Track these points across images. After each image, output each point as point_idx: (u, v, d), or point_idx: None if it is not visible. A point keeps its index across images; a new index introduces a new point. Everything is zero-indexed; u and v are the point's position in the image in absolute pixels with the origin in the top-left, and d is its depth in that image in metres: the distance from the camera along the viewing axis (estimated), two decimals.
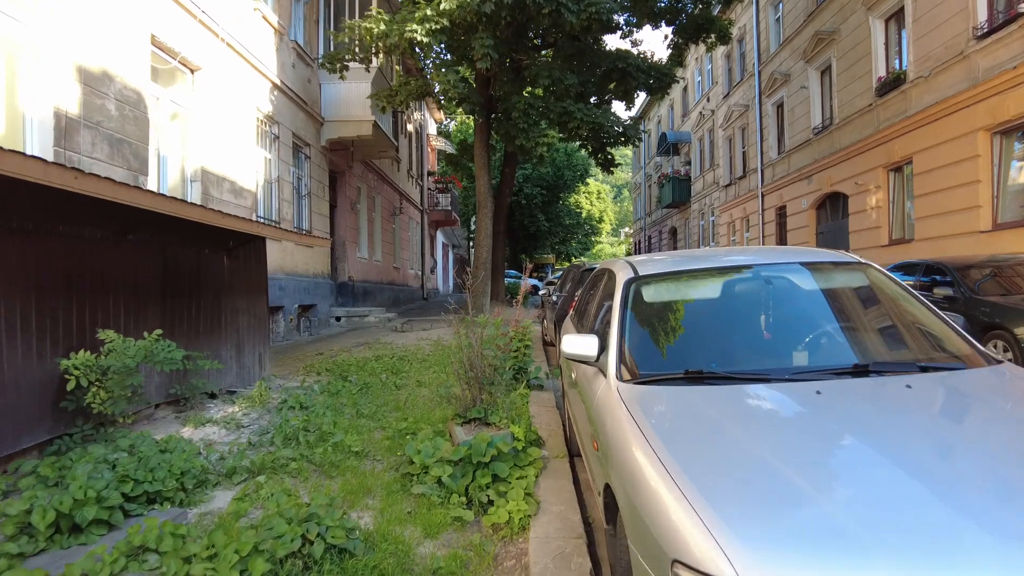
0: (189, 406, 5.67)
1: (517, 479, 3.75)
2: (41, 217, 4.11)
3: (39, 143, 6.19)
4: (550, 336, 10.72)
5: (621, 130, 13.25)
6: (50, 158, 6.20)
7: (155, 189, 8.35)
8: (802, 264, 3.22)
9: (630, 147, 17.90)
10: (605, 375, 2.76)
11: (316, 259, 13.63)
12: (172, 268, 5.66)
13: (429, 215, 28.36)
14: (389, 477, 4.10)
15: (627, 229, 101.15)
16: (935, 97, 13.08)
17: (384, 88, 12.82)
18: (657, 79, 13.38)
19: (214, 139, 9.52)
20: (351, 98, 14.01)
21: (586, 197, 53.49)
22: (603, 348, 2.90)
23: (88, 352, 4.11)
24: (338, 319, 14.10)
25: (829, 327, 2.91)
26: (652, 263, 3.42)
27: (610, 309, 3.14)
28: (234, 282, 6.70)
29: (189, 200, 8.83)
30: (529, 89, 12.98)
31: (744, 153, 26.32)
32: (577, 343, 2.94)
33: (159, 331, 4.46)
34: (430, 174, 28.52)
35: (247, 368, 6.93)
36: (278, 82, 11.73)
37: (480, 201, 13.37)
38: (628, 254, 65.50)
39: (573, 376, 3.57)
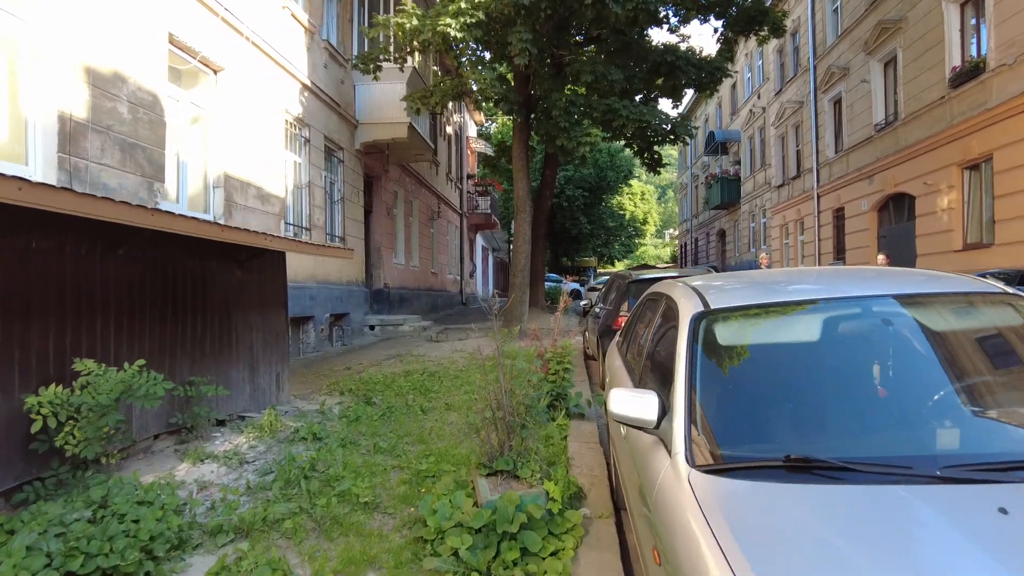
0: (193, 436, 5.14)
1: (551, 555, 3.04)
2: (7, 229, 3.59)
3: (42, 149, 5.77)
4: (592, 349, 9.97)
5: (669, 127, 12.39)
6: (53, 165, 5.78)
7: (174, 196, 7.94)
8: (926, 296, 2.42)
9: (676, 146, 16.91)
10: (669, 451, 2.02)
11: (349, 266, 13.17)
12: (173, 284, 5.13)
13: (468, 219, 27.84)
14: (399, 540, 3.43)
15: (672, 231, 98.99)
16: (1021, 87, 11.80)
17: (418, 89, 12.27)
18: (708, 73, 12.47)
19: (239, 143, 9.09)
20: (386, 100, 13.52)
21: (629, 198, 52.32)
22: (665, 410, 2.16)
23: (60, 387, 3.57)
24: (372, 328, 13.61)
25: (983, 390, 2.11)
26: (726, 292, 2.66)
27: (672, 354, 2.39)
28: (247, 297, 6.17)
29: (212, 208, 8.41)
30: (570, 87, 12.23)
31: (798, 152, 24.96)
32: (628, 402, 2.21)
33: (142, 361, 3.90)
34: (469, 177, 28.00)
35: (262, 390, 6.40)
36: (308, 83, 11.29)
37: (518, 205, 12.70)
38: (674, 257, 63.79)
39: (623, 432, 2.83)
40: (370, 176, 15.24)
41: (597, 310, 9.51)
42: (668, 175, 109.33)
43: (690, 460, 1.90)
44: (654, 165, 14.47)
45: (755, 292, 2.64)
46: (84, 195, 3.21)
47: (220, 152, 8.68)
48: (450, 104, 24.04)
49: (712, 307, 2.45)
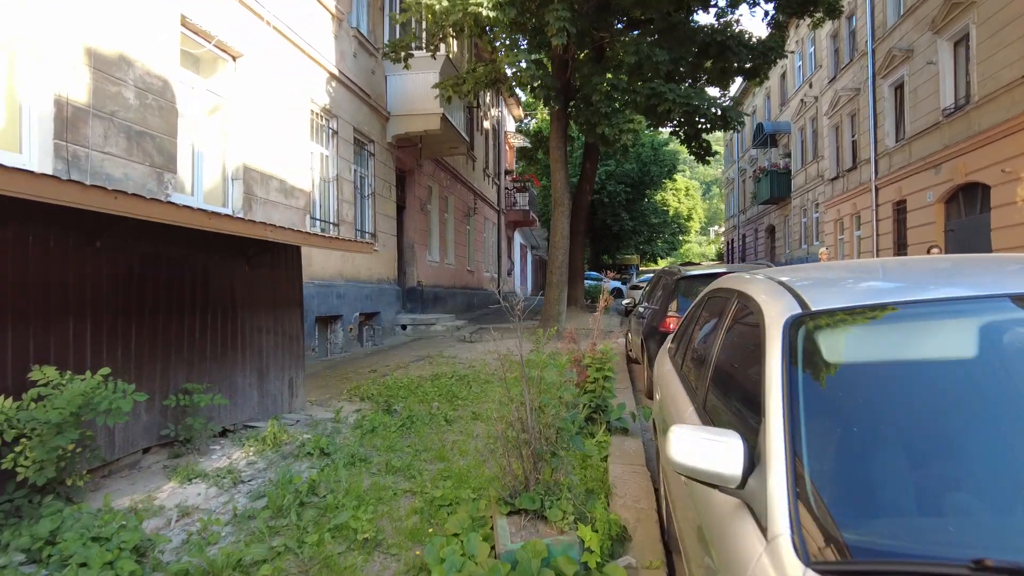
0: (189, 449, 4.62)
1: None
2: None
3: (38, 135, 5.35)
4: (636, 352, 9.20)
5: (719, 112, 11.48)
6: (49, 152, 5.35)
7: (189, 188, 7.50)
8: None
9: (724, 135, 15.71)
10: (763, 528, 1.31)
11: (380, 263, 12.68)
12: (168, 281, 4.62)
13: (506, 215, 27.21)
14: None
15: (717, 227, 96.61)
16: None
17: (451, 76, 11.68)
18: (761, 54, 11.51)
19: (260, 133, 8.63)
20: (418, 90, 12.98)
21: (673, 194, 50.94)
22: (753, 463, 1.45)
23: (8, 399, 3.05)
24: (403, 327, 13.10)
25: None
26: (830, 286, 1.93)
27: (756, 375, 1.67)
28: (256, 295, 5.64)
29: (230, 201, 7.97)
30: (611, 74, 11.44)
31: (854, 142, 23.54)
32: (698, 448, 1.50)
33: (105, 370, 3.36)
34: (507, 173, 27.38)
35: (272, 396, 5.87)
36: (336, 72, 10.81)
37: (556, 198, 11.98)
38: (719, 255, 61.91)
39: (684, 481, 2.09)
40: (403, 171, 14.74)
41: (641, 309, 8.75)
42: (712, 170, 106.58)
43: (801, 550, 1.19)
44: (703, 155, 13.54)
45: (871, 285, 1.89)
46: (52, 178, 2.67)
47: (239, 143, 8.24)
48: (487, 98, 23.46)
49: (813, 308, 1.72)
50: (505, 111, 27.28)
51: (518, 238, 30.48)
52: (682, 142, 13.82)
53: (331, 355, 10.68)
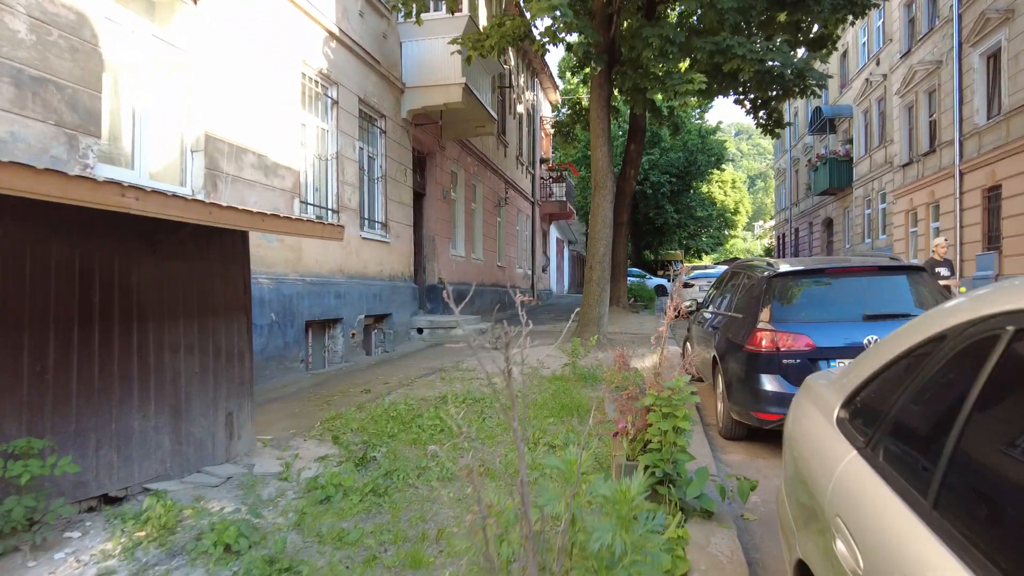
0: (21, 541, 2.93)
1: None
2: None
3: None
4: (698, 369, 7.27)
5: (796, 73, 9.38)
6: None
7: (125, 158, 5.87)
8: None
9: (799, 102, 13.47)
10: None
11: (393, 257, 10.98)
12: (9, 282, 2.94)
13: (541, 207, 25.32)
14: None
15: (762, 223, 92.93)
16: None
17: (471, 32, 9.87)
18: (848, 2, 9.33)
19: (232, 97, 6.98)
20: (436, 57, 11.23)
21: (719, 186, 48.22)
22: None
23: None
24: (420, 331, 11.39)
25: None
26: None
27: None
28: (169, 299, 3.95)
29: (188, 178, 6.34)
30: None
31: (932, 123, 20.93)
32: None
33: None
34: (543, 161, 25.48)
35: (197, 442, 4.17)
36: (336, 31, 9.13)
37: (597, 180, 10.09)
38: (768, 252, 58.77)
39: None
40: (422, 153, 13.02)
41: (707, 315, 6.80)
42: (756, 164, 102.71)
43: None
44: (774, 126, 11.46)
45: None
46: None
47: (202, 107, 6.59)
48: (520, 80, 21.61)
49: None
50: (541, 95, 25.38)
51: (554, 232, 28.57)
52: (748, 112, 11.73)
53: (329, 366, 9.02)
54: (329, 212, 9.17)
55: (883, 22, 25.66)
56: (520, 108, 21.77)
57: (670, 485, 3.39)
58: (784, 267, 4.96)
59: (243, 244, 4.66)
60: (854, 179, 29.19)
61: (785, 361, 4.43)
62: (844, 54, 30.51)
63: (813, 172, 33.13)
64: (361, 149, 10.21)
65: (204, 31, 6.61)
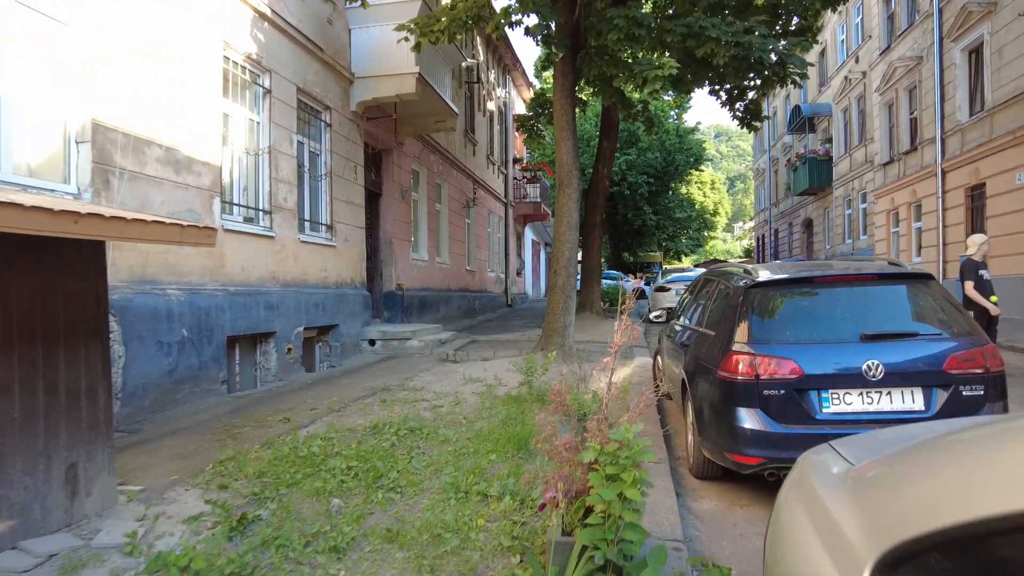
0: None
1: None
2: None
3: None
4: (673, 389, 6.42)
5: (776, 59, 8.60)
6: None
7: None
8: None
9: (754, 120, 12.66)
10: None
11: (340, 263, 10.03)
12: None
13: (515, 208, 24.46)
14: None
15: (741, 224, 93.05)
16: None
17: (421, 16, 8.97)
18: None
19: (128, 80, 6.01)
20: (389, 46, 10.30)
21: (699, 187, 47.84)
22: None
23: None
24: (372, 343, 10.44)
25: None
26: None
27: None
28: None
29: (72, 174, 5.37)
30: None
31: (913, 120, 20.42)
32: None
33: None
34: (516, 161, 24.62)
35: (21, 506, 3.22)
36: (267, 12, 8.18)
37: (562, 177, 9.24)
38: (748, 253, 58.45)
39: None
40: (377, 150, 12.09)
41: (678, 328, 5.96)
42: (735, 165, 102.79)
43: None
44: (752, 119, 10.70)
45: None
46: None
47: (87, 89, 5.62)
48: (490, 75, 20.74)
49: None
50: (514, 93, 24.52)
51: (529, 234, 27.71)
52: (724, 104, 10.96)
53: (261, 385, 8.06)
54: (261, 213, 8.21)
55: (862, 19, 25.23)
56: (491, 106, 20.90)
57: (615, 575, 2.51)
58: (765, 275, 4.11)
59: (95, 253, 3.72)
60: (834, 179, 28.73)
61: (767, 392, 3.59)
62: (823, 52, 30.09)
63: (792, 172, 32.68)
64: (301, 144, 9.27)
65: (89, 1, 5.64)
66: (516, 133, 24.97)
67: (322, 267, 9.42)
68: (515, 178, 24.39)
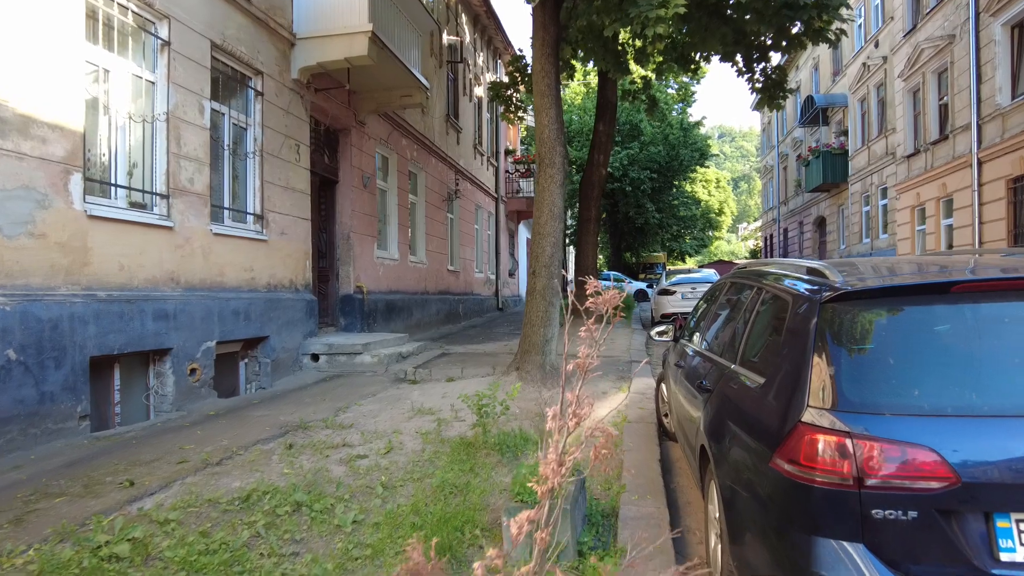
0: None
1: None
2: None
3: None
4: (673, 424, 4.63)
5: (814, 2, 6.76)
6: None
7: None
8: None
9: (758, 120, 10.72)
10: None
11: (274, 261, 8.26)
12: None
13: (507, 204, 22.65)
14: None
15: (746, 225, 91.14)
16: None
17: None
18: None
19: None
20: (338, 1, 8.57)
21: (703, 185, 45.97)
22: None
23: None
24: (315, 358, 8.65)
25: None
26: None
27: None
28: None
29: None
30: None
31: (942, 107, 18.55)
32: None
33: None
34: (508, 153, 22.81)
35: None
36: None
37: (542, 155, 7.45)
38: (755, 253, 56.43)
39: None
40: (331, 128, 10.33)
41: (691, 351, 4.16)
42: (739, 166, 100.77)
43: None
44: (774, 91, 8.88)
45: None
46: None
47: None
48: (478, 58, 18.94)
49: None
50: (505, 78, 22.69)
51: (524, 232, 25.89)
52: (740, 73, 9.15)
53: (155, 416, 6.28)
54: (155, 198, 6.43)
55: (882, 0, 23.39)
56: (479, 91, 19.11)
57: None
58: (851, 278, 2.30)
59: None
60: (850, 174, 26.87)
61: (881, 512, 1.79)
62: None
63: (804, 167, 30.81)
64: (220, 114, 7.49)
65: None
66: (508, 123, 23.16)
67: (246, 266, 7.64)
68: (507, 171, 22.59)
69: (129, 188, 6.17)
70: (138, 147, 6.36)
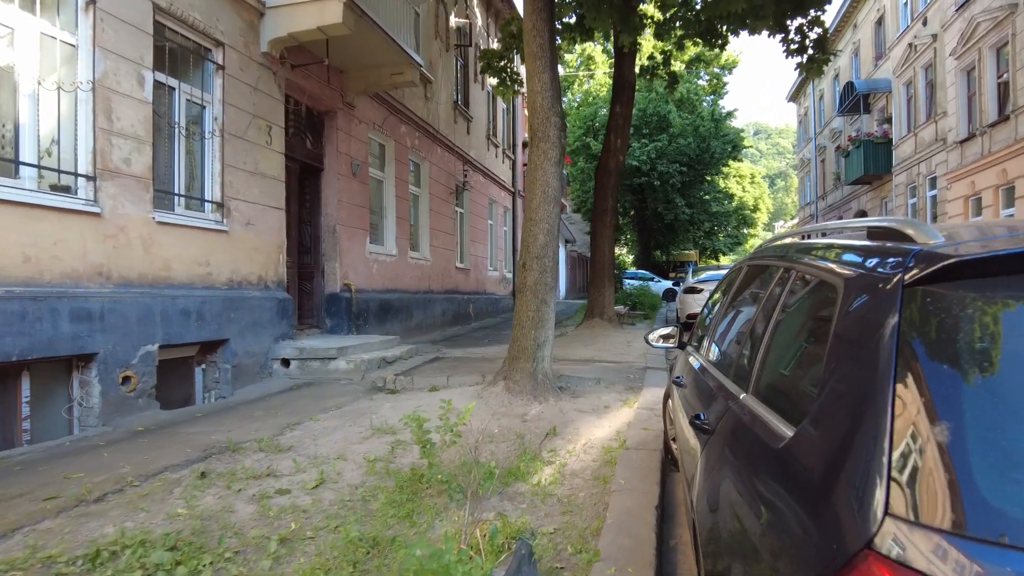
0: None
1: None
2: None
3: None
4: (681, 441, 3.49)
5: None
6: None
7: None
8: None
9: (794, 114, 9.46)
10: None
11: (237, 255, 7.36)
12: None
13: (525, 198, 21.57)
14: None
15: (782, 223, 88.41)
16: None
17: None
18: None
19: None
20: None
21: (736, 181, 44.16)
22: None
23: None
24: (286, 364, 7.72)
25: None
26: None
27: None
28: None
29: None
30: None
31: (1002, 85, 16.90)
32: None
33: None
34: (526, 145, 21.71)
35: None
36: None
37: (534, 127, 6.36)
38: None
39: None
40: (316, 111, 9.42)
41: (697, 365, 3.03)
42: (775, 163, 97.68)
43: None
44: (814, 53, 7.64)
45: None
46: None
47: None
48: (491, 41, 17.93)
49: None
50: (523, 70, 21.62)
51: None
52: (772, 31, 7.93)
53: (79, 431, 5.40)
54: (78, 179, 5.55)
55: None
56: (493, 80, 18.07)
57: None
58: (972, 241, 1.20)
59: None
60: (894, 163, 25.09)
61: None
62: (879, 20, 26.47)
63: (844, 158, 29.00)
64: (167, 88, 6.59)
65: None
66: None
67: (200, 259, 6.74)
68: (525, 164, 21.50)
69: (39, 167, 5.29)
70: (59, 121, 5.48)
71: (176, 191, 6.67)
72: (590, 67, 34.55)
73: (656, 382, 7.08)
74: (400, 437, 5.00)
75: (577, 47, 36.35)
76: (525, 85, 7.94)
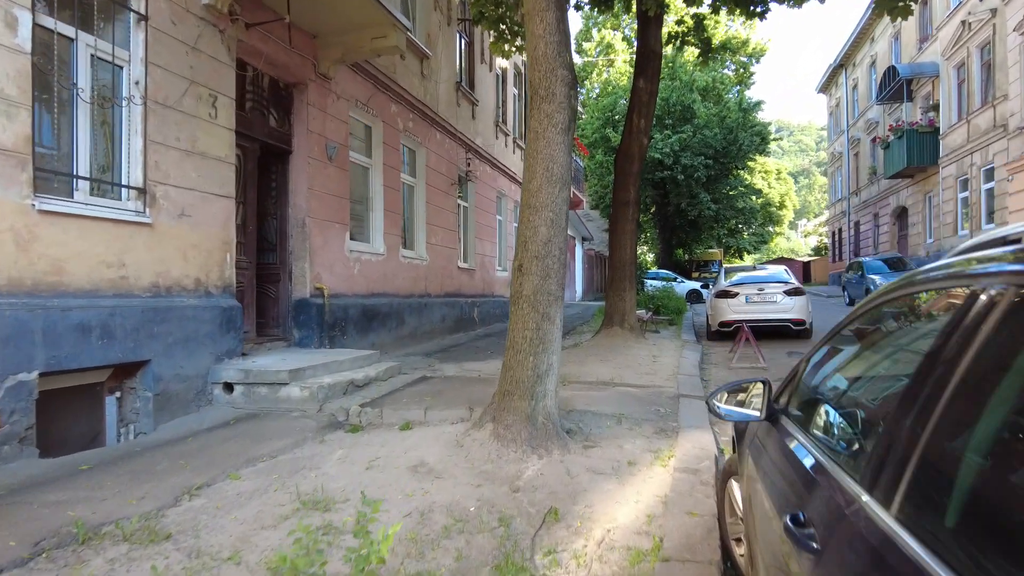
0: None
1: None
2: None
3: None
4: (754, 559, 1.89)
5: None
6: None
7: None
8: None
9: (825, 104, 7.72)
10: None
11: (164, 252, 5.87)
12: None
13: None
14: None
15: (805, 221, 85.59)
16: None
17: None
18: None
19: None
20: None
21: (762, 176, 42.08)
22: None
23: None
24: (230, 388, 6.21)
25: None
26: None
27: None
28: None
29: None
30: None
31: None
32: None
33: None
34: None
35: None
36: None
37: (534, 82, 4.76)
38: (819, 251, 51.66)
39: None
40: (282, 81, 7.93)
41: (812, 458, 1.38)
42: (797, 160, 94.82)
43: None
44: None
45: None
46: None
47: None
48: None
49: None
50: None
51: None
52: None
53: None
54: None
55: None
56: (503, 63, 16.52)
57: None
58: None
59: None
60: (941, 155, 23.07)
61: None
62: (924, 1, 24.39)
63: (883, 150, 26.95)
64: (59, 37, 5.11)
65: None
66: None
67: (111, 260, 5.26)
68: None
69: None
70: None
71: (74, 172, 5.19)
72: (609, 54, 32.83)
73: (695, 419, 5.46)
74: (333, 517, 3.46)
75: (596, 34, 34.62)
76: (525, 33, 6.33)
